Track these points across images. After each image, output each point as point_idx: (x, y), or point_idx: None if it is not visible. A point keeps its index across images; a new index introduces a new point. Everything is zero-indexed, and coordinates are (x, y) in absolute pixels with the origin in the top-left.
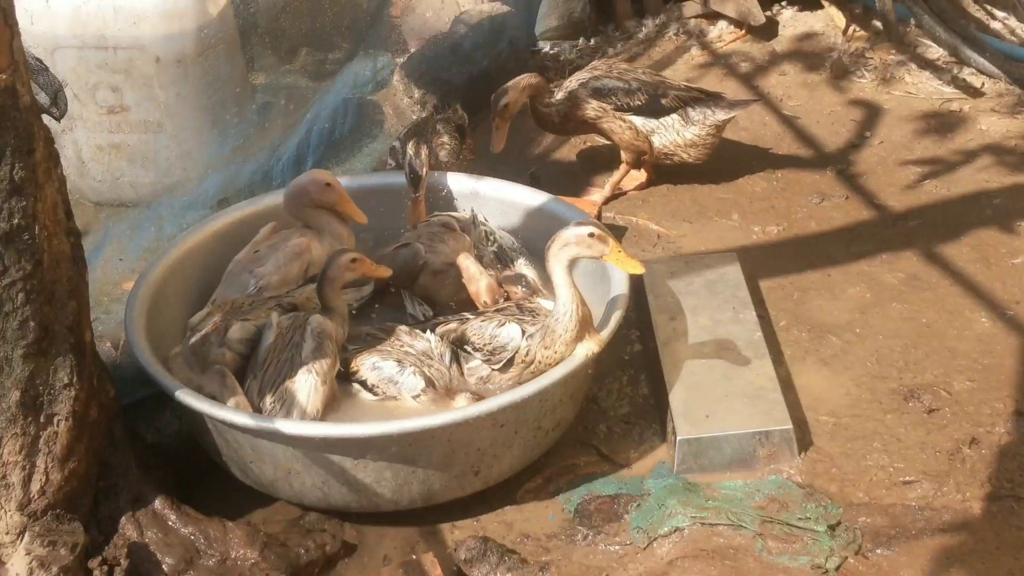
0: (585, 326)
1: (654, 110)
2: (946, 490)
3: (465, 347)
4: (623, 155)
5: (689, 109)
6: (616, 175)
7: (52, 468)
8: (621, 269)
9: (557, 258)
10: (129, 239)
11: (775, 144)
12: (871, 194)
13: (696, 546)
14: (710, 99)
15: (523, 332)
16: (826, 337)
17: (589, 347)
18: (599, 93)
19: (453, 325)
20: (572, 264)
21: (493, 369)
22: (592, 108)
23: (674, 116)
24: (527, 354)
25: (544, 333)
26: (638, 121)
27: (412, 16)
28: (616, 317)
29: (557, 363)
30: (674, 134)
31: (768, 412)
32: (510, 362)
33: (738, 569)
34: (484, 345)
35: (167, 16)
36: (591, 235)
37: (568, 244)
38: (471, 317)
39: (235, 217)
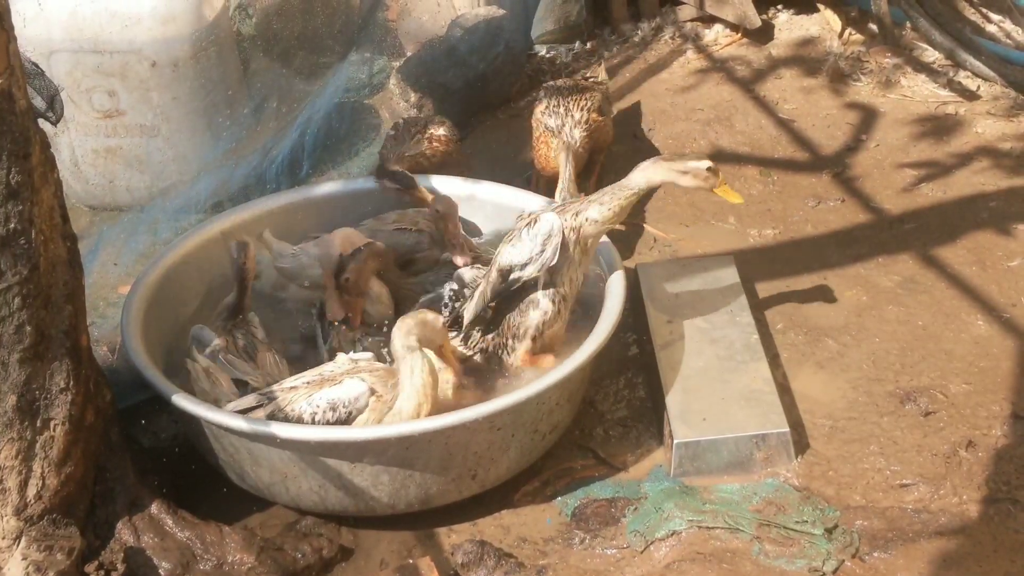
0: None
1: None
2: (943, 493)
3: (512, 274)
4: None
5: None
6: (595, 175)
7: (48, 473)
8: (727, 199)
9: (660, 170)
10: (124, 243)
11: (771, 148)
12: (867, 197)
13: (693, 549)
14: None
15: (556, 215)
16: (822, 340)
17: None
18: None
19: (482, 272)
20: (653, 186)
21: (551, 265)
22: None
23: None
24: (577, 218)
25: (600, 202)
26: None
27: (408, 19)
28: (615, 306)
29: (608, 222)
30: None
31: (765, 415)
32: (564, 253)
33: (735, 572)
34: (531, 255)
35: (162, 20)
36: (709, 169)
37: (686, 172)
38: (494, 251)
39: (232, 221)
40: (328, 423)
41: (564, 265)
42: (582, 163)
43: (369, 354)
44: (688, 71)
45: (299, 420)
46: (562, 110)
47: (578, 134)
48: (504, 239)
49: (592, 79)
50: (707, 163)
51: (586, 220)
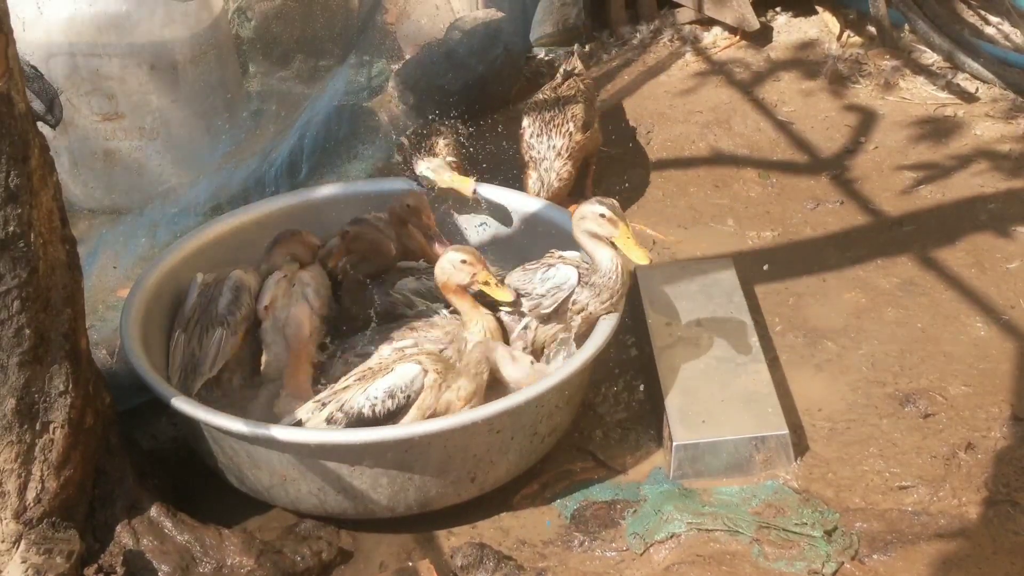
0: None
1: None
2: (942, 495)
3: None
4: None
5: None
6: (590, 177)
7: (48, 476)
8: (627, 255)
9: (578, 229)
10: (123, 246)
11: (770, 150)
12: (866, 199)
13: (693, 552)
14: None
15: (579, 275)
16: (821, 342)
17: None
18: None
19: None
20: (595, 236)
21: (543, 312)
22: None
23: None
24: (577, 305)
25: (597, 290)
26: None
27: (407, 22)
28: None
29: (608, 312)
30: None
31: (764, 417)
32: (558, 310)
33: (735, 574)
34: (532, 290)
35: (161, 23)
36: (602, 215)
37: (584, 218)
38: (509, 271)
39: (230, 224)
40: (388, 412)
41: (552, 319)
42: (572, 182)
43: (411, 340)
44: (687, 73)
45: (359, 415)
46: (545, 137)
47: (559, 165)
48: (527, 266)
49: (573, 72)
50: (600, 208)
51: (589, 312)
